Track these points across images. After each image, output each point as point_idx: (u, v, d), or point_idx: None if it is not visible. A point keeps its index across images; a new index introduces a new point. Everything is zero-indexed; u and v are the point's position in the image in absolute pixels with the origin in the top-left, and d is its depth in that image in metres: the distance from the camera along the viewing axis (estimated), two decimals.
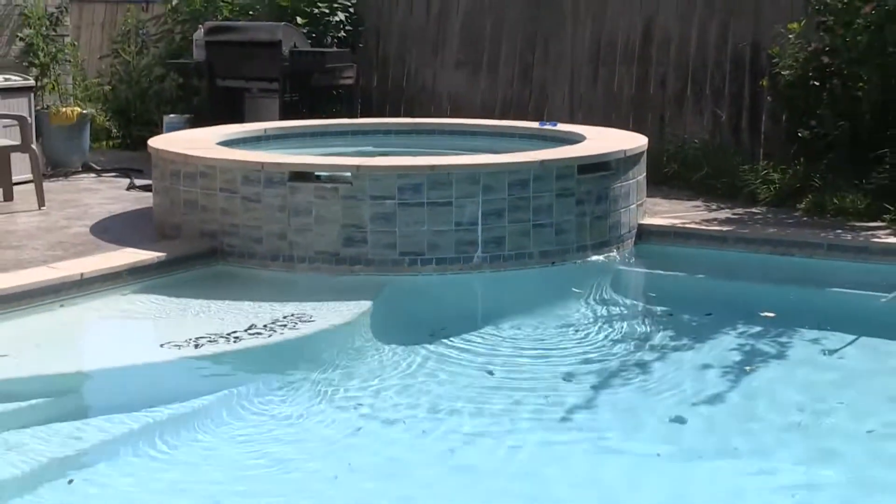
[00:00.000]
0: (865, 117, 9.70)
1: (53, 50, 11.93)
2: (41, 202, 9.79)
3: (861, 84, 9.62)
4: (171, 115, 12.34)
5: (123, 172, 11.49)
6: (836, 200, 9.28)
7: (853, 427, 5.84)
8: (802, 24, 10.04)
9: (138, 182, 10.78)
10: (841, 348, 7.03)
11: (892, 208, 8.94)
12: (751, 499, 5.12)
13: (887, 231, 8.66)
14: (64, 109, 11.75)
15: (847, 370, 6.74)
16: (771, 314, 7.47)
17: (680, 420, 5.91)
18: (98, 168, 11.81)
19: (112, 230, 8.85)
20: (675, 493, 5.18)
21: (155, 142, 9.18)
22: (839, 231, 8.75)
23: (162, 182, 8.81)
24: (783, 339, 7.15)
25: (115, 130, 13.63)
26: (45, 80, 11.84)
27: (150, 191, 9.45)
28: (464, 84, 12.71)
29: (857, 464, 5.41)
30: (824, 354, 6.95)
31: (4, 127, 10.40)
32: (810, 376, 6.67)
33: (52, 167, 11.51)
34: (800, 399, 6.28)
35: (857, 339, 7.17)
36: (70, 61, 12.44)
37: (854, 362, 6.86)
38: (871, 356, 7.02)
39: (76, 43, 13.33)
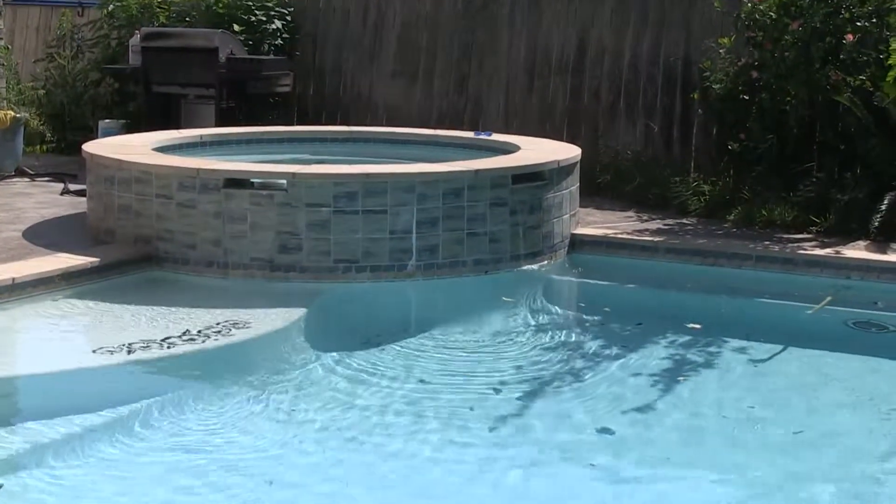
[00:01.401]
0: (793, 131, 9.82)
1: None
2: None
3: (788, 98, 9.74)
4: (107, 121, 12.24)
5: (57, 177, 11.36)
6: (764, 212, 9.38)
7: (779, 435, 5.92)
8: (732, 39, 10.14)
9: (72, 187, 10.66)
10: (768, 358, 7.11)
11: (818, 220, 9.06)
12: None
13: (813, 243, 8.76)
14: None
15: (774, 380, 6.82)
16: (697, 326, 7.52)
17: (609, 429, 5.94)
18: (31, 172, 11.66)
19: (45, 235, 8.75)
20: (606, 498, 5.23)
21: (89, 147, 9.10)
22: (767, 243, 8.84)
23: (96, 187, 8.73)
24: (712, 349, 7.21)
25: (49, 135, 13.49)
26: None
27: (84, 196, 9.34)
28: (400, 94, 12.70)
29: (782, 471, 5.48)
30: (752, 364, 7.01)
31: None
32: (738, 386, 6.73)
33: None
34: (727, 408, 6.34)
35: (784, 349, 7.25)
36: (3, 65, 12.30)
37: (781, 372, 6.94)
38: (798, 366, 7.09)
39: (10, 46, 13.20)
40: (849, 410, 6.36)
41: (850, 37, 9.34)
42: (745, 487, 5.34)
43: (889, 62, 7.43)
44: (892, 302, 7.88)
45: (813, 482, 5.34)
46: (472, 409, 6.10)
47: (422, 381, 6.53)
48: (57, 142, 13.47)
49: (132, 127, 11.63)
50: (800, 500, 5.17)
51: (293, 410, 6.04)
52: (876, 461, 5.63)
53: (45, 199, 10.39)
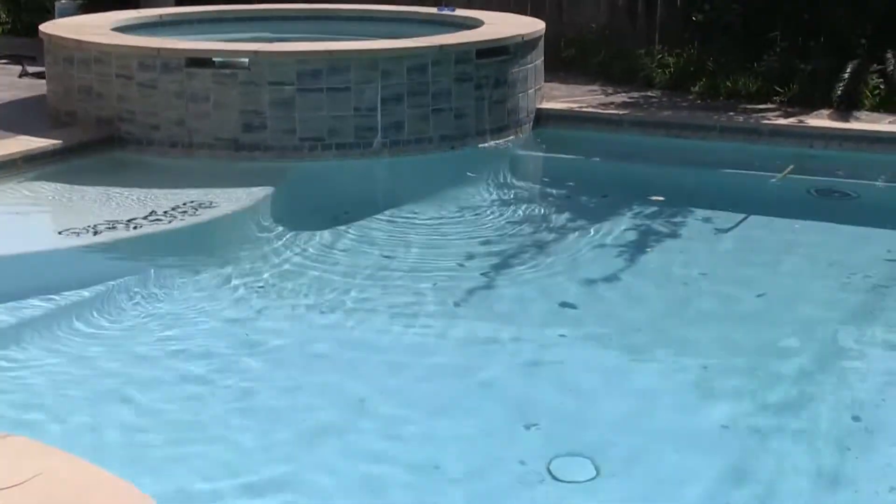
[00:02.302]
0: (757, 1, 9.77)
1: None
2: None
3: None
4: (63, 1, 12.05)
5: (15, 59, 11.22)
6: (728, 83, 9.40)
7: (743, 300, 6.00)
8: None
9: (30, 69, 10.54)
10: (732, 227, 7.16)
11: (781, 90, 9.08)
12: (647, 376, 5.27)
13: (777, 113, 8.80)
14: None
15: (737, 248, 6.89)
16: (661, 198, 7.57)
17: (573, 302, 6.00)
18: None
19: (5, 118, 8.66)
20: (571, 372, 5.31)
21: (47, 27, 8.99)
22: (731, 113, 8.87)
23: (55, 68, 8.65)
24: (677, 220, 7.27)
25: (4, 16, 13.29)
26: None
27: (43, 78, 9.26)
28: None
29: (747, 335, 5.59)
30: (716, 233, 7.08)
31: None
32: (702, 254, 6.83)
33: None
34: (690, 276, 6.43)
35: (747, 217, 7.31)
36: None
37: (745, 240, 7.01)
38: (761, 234, 7.14)
39: None
40: (811, 275, 6.45)
41: None
42: (709, 354, 5.42)
43: None
44: (854, 169, 7.96)
45: (775, 348, 5.43)
46: (435, 284, 6.14)
47: (386, 256, 6.57)
48: (13, 23, 13.29)
49: (89, 7, 11.45)
50: (762, 366, 5.25)
51: (260, 286, 6.07)
52: (836, 324, 5.73)
53: (3, 82, 10.28)
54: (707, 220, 7.29)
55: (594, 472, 4.29)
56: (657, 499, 4.21)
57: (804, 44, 9.45)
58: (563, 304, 5.96)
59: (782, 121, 8.58)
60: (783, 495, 4.20)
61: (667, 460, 4.45)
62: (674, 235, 7.02)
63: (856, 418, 4.76)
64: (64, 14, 11.21)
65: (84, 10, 11.27)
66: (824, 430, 4.71)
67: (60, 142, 7.83)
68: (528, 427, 4.62)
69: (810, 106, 8.84)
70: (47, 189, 7.33)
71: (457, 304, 5.86)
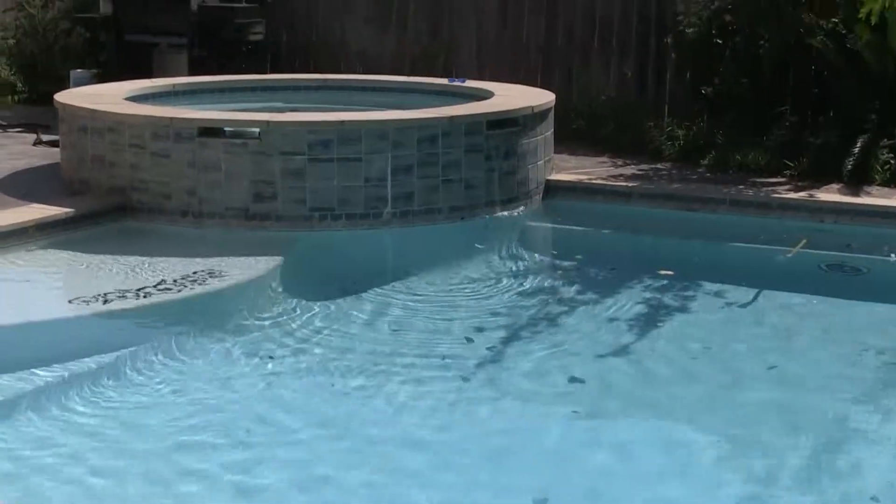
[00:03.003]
0: (766, 75, 9.81)
1: None
2: None
3: (762, 42, 9.73)
4: (79, 70, 12.12)
5: (30, 127, 11.28)
6: (738, 156, 9.40)
7: (755, 372, 5.99)
8: None
9: (45, 137, 10.58)
10: (743, 302, 7.15)
11: (791, 164, 9.08)
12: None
13: (787, 186, 8.78)
14: None
15: (748, 322, 6.87)
16: (670, 272, 7.55)
17: (582, 376, 5.98)
18: (3, 123, 11.60)
19: (18, 186, 8.67)
20: (581, 448, 5.27)
21: (62, 96, 9.03)
22: (741, 187, 8.86)
23: (69, 137, 8.68)
24: (687, 294, 7.26)
25: (20, 85, 13.38)
26: None
27: (57, 146, 9.29)
28: (373, 40, 12.62)
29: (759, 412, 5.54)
30: (727, 308, 7.07)
31: None
32: (713, 329, 6.79)
33: None
34: (701, 350, 6.41)
35: (759, 292, 7.29)
36: None
37: (755, 315, 6.99)
38: (772, 309, 7.14)
39: None
40: (822, 351, 6.43)
41: None
42: (720, 430, 5.39)
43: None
44: (865, 244, 7.92)
45: (788, 424, 5.41)
46: (443, 358, 6.12)
47: (394, 329, 6.56)
48: (28, 92, 13.36)
49: (104, 76, 11.53)
50: (775, 443, 5.22)
51: (268, 357, 6.06)
52: (849, 400, 5.71)
53: (18, 150, 10.31)
54: (717, 294, 7.28)
55: None
56: None
57: (813, 118, 9.48)
58: (573, 379, 5.94)
59: (792, 195, 8.56)
60: None
61: None
62: (683, 310, 6.99)
63: (874, 499, 4.71)
64: (79, 83, 11.26)
65: (99, 80, 11.33)
66: None
67: (73, 210, 7.83)
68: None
69: (820, 180, 8.82)
70: (59, 257, 7.32)
71: (465, 379, 5.83)
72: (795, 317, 6.98)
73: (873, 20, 3.59)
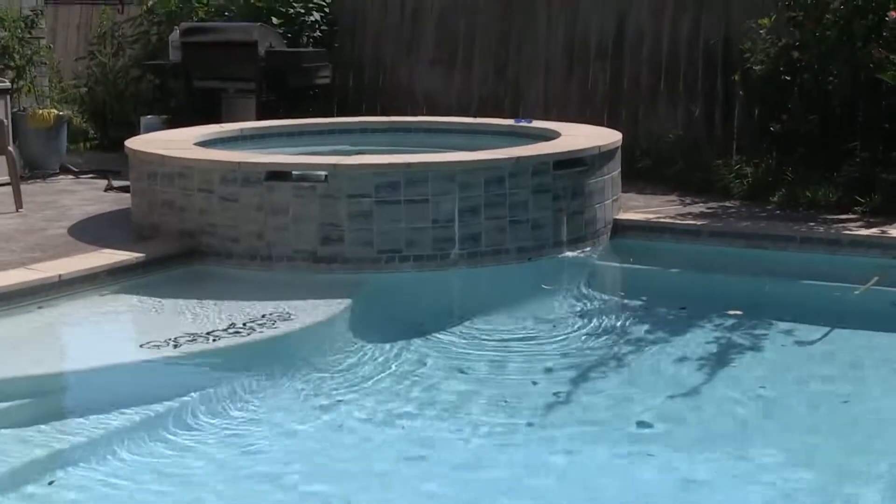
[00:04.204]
0: (835, 111, 9.74)
1: (29, 52, 11.87)
2: (19, 204, 9.75)
3: (831, 78, 9.67)
4: (149, 117, 12.29)
5: (101, 174, 11.45)
6: (808, 193, 9.32)
7: (830, 410, 5.94)
8: (773, 19, 10.07)
9: (116, 183, 10.73)
10: (815, 341, 7.07)
11: (862, 200, 8.99)
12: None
13: (858, 223, 8.69)
14: (41, 111, 11.70)
15: (821, 362, 6.79)
16: (739, 312, 7.48)
17: (654, 419, 5.93)
18: (76, 170, 11.77)
19: (90, 231, 8.81)
20: (655, 491, 5.23)
21: (132, 143, 9.16)
22: (811, 224, 8.78)
23: (139, 183, 8.79)
24: (758, 332, 7.19)
25: (92, 132, 13.59)
26: (22, 83, 11.77)
27: (127, 192, 9.40)
28: (439, 82, 12.71)
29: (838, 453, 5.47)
30: (798, 346, 6.99)
31: None
32: (789, 365, 6.75)
33: (30, 169, 11.45)
34: (774, 391, 6.33)
35: (831, 330, 7.21)
36: (46, 63, 12.38)
37: (828, 354, 6.91)
38: (846, 348, 7.05)
39: (52, 45, 13.28)
40: (894, 386, 6.35)
41: (893, 13, 9.26)
42: (794, 471, 5.33)
43: None
44: None
45: (864, 467, 5.33)
46: (506, 401, 6.09)
47: (461, 371, 6.54)
48: (100, 139, 13.57)
49: (174, 122, 11.67)
50: (849, 485, 5.15)
51: (338, 401, 6.06)
52: None
53: (90, 196, 10.47)
54: (788, 332, 7.20)
55: None
56: None
57: (885, 153, 9.37)
58: (639, 413, 5.91)
59: (864, 231, 8.48)
60: None
61: None
62: (755, 348, 6.93)
63: None
64: (149, 129, 11.41)
65: (168, 125, 11.47)
66: None
67: (143, 255, 7.92)
68: None
69: (893, 216, 8.73)
70: (129, 302, 7.40)
71: (530, 425, 5.79)
72: (869, 355, 6.88)
73: None
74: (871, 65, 9.37)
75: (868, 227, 8.59)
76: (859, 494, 5.02)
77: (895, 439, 5.63)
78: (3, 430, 5.50)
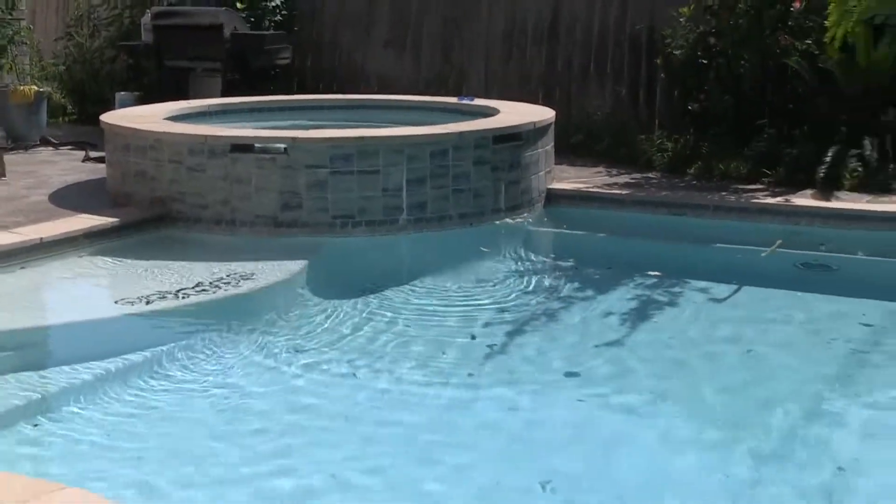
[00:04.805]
0: (746, 93, 9.84)
1: (10, 33, 11.72)
2: (2, 173, 9.69)
3: (743, 63, 9.76)
4: (123, 93, 12.21)
5: (79, 146, 11.36)
6: (721, 166, 9.43)
7: (737, 361, 6.05)
8: (692, 8, 10.15)
9: (93, 154, 10.66)
10: (726, 297, 7.17)
11: (769, 173, 9.11)
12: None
13: (765, 193, 8.80)
14: (22, 88, 11.58)
15: (730, 316, 6.89)
16: (658, 273, 7.57)
17: (580, 367, 6.01)
18: (55, 142, 11.67)
19: (69, 198, 8.76)
20: (581, 429, 5.31)
21: (107, 117, 9.11)
22: (724, 193, 8.87)
23: (114, 154, 8.75)
24: (675, 290, 7.28)
25: (70, 107, 13.47)
26: (3, 61, 11.64)
27: (103, 162, 9.36)
28: (391, 64, 12.70)
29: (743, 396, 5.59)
30: (711, 302, 7.09)
31: None
32: (702, 320, 6.83)
33: (13, 141, 11.35)
34: (693, 339, 6.48)
35: (739, 289, 7.32)
36: (27, 43, 12.25)
37: (737, 309, 7.02)
38: (752, 303, 7.16)
39: (31, 26, 13.12)
40: (796, 344, 6.46)
41: (797, 4, 9.37)
42: (705, 408, 5.45)
43: (828, 23, 7.35)
44: (835, 245, 7.93)
45: (765, 403, 5.46)
46: (444, 353, 6.14)
47: (407, 324, 6.60)
48: (77, 113, 13.45)
49: (146, 99, 11.61)
50: (753, 420, 5.27)
51: (297, 351, 6.10)
52: (820, 383, 5.75)
53: (68, 166, 10.40)
54: (702, 290, 7.30)
55: None
56: None
57: (789, 131, 9.50)
58: (566, 363, 5.98)
59: (770, 200, 8.58)
60: None
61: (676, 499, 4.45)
62: (672, 304, 7.03)
63: (840, 467, 4.76)
64: (123, 105, 11.34)
65: (141, 102, 11.41)
66: (811, 477, 4.72)
67: (117, 220, 7.90)
68: (543, 486, 4.61)
69: (795, 186, 8.85)
70: (105, 263, 7.37)
71: (470, 375, 5.85)
72: (773, 310, 6.98)
73: (837, 44, 3.62)
74: (778, 51, 9.50)
75: (774, 196, 8.69)
76: (756, 423, 5.17)
77: (791, 384, 5.76)
78: None
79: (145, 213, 8.17)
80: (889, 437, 5.16)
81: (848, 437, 5.13)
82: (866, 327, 6.57)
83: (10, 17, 11.67)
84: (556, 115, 9.41)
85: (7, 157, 10.01)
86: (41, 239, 7.33)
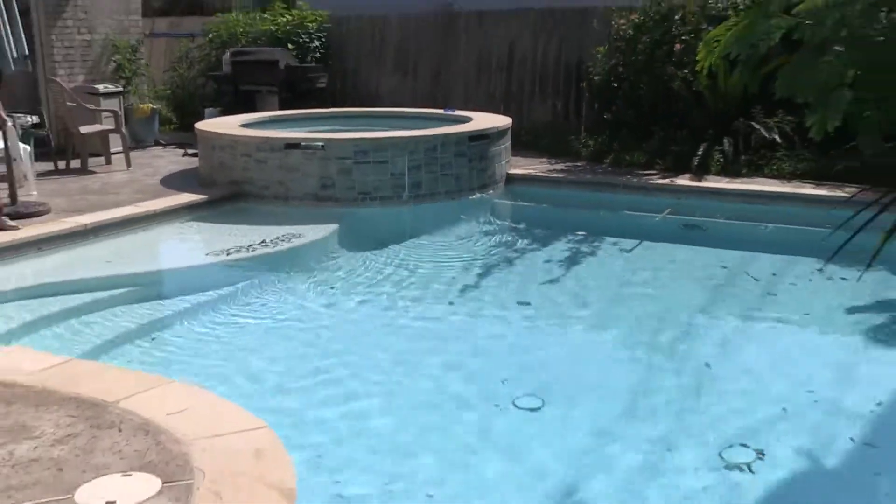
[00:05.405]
0: (644, 107, 9.80)
1: (134, 68, 11.63)
2: (128, 164, 9.64)
3: (642, 86, 9.71)
4: (210, 108, 12.10)
5: (180, 145, 11.31)
6: (627, 158, 9.38)
7: (636, 293, 6.07)
8: (606, 48, 10.09)
9: (189, 151, 10.61)
10: (631, 249, 7.20)
11: (660, 163, 9.09)
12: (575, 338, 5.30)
13: (657, 176, 8.77)
14: (142, 106, 11.51)
15: (635, 261, 6.92)
16: (583, 232, 7.58)
17: (529, 295, 6.04)
18: (164, 143, 11.61)
19: (173, 182, 8.73)
20: (531, 337, 5.34)
21: (200, 125, 9.06)
22: (629, 176, 8.84)
23: (204, 151, 8.71)
24: (595, 244, 7.30)
25: (174, 119, 13.36)
26: (129, 87, 11.55)
27: (196, 156, 9.31)
28: (396, 85, 12.61)
29: (637, 311, 5.63)
30: (621, 253, 7.12)
31: (105, 117, 10.19)
32: (614, 265, 6.85)
33: (135, 143, 11.25)
34: (606, 278, 6.47)
35: (640, 243, 7.34)
36: (145, 75, 12.12)
37: (639, 257, 7.04)
38: (650, 253, 7.18)
39: (148, 64, 12.97)
40: (679, 277, 6.51)
41: (678, 46, 9.32)
42: (615, 324, 5.48)
43: (698, 58, 7.31)
44: (706, 212, 7.94)
45: (659, 318, 5.50)
46: (435, 286, 6.16)
47: (409, 268, 6.62)
48: (179, 123, 13.33)
49: (225, 112, 11.52)
50: (651, 329, 5.31)
51: (332, 289, 6.13)
52: (695, 305, 5.80)
53: (173, 160, 10.35)
54: (614, 244, 7.32)
55: (541, 403, 4.33)
56: (584, 404, 4.24)
57: (674, 134, 9.46)
58: (520, 295, 6.01)
59: (661, 181, 8.57)
60: (666, 403, 4.25)
61: (594, 385, 4.48)
62: (593, 254, 7.06)
63: (706, 363, 4.81)
64: (210, 116, 11.25)
65: (222, 114, 11.33)
66: (688, 366, 4.79)
67: (206, 196, 7.88)
68: (503, 381, 4.63)
69: (678, 172, 8.81)
70: (198, 226, 7.38)
71: (451, 303, 5.88)
72: (664, 256, 7.02)
73: (705, 73, 3.62)
74: (666, 78, 9.45)
75: (663, 178, 8.67)
76: (650, 334, 5.20)
77: (673, 305, 5.80)
78: (121, 306, 5.54)
79: (225, 191, 8.15)
80: (739, 343, 5.22)
81: (711, 342, 5.19)
82: (724, 269, 6.61)
83: (133, 57, 11.59)
84: (512, 121, 9.38)
85: (131, 154, 9.94)
86: (155, 210, 7.34)
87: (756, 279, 6.27)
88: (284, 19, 13.00)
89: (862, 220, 2.92)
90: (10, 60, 6.86)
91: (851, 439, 3.98)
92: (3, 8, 6.72)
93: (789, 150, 8.72)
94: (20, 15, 7.62)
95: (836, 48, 2.89)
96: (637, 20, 9.68)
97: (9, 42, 6.81)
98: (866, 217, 2.90)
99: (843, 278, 6.07)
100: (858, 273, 5.82)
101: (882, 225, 2.96)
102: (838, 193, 7.54)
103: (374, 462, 3.82)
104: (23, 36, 7.13)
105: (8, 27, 6.78)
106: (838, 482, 3.76)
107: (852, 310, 5.62)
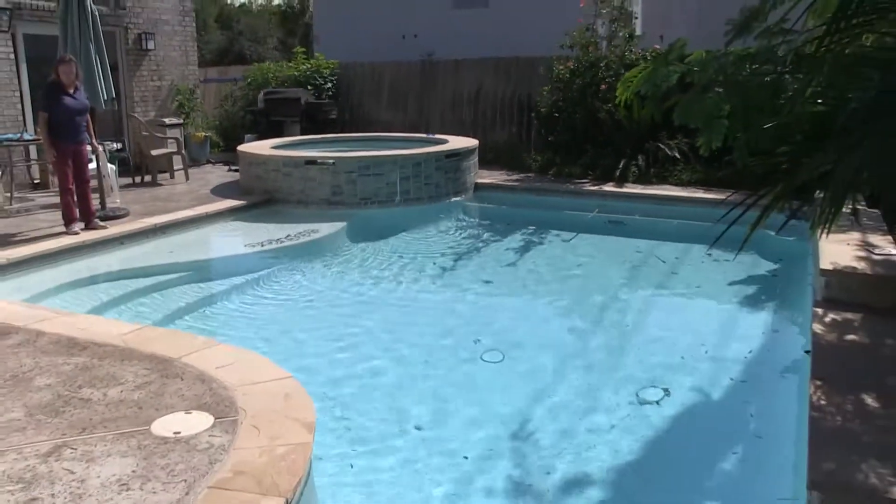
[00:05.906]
0: (578, 132, 9.80)
1: (192, 105, 11.52)
2: (187, 178, 9.53)
3: (577, 116, 9.71)
4: (248, 135, 12.02)
5: (225, 163, 11.20)
6: (567, 170, 9.37)
7: (572, 275, 6.04)
8: (549, 87, 10.07)
9: (233, 167, 10.51)
10: (569, 240, 7.20)
11: (591, 174, 9.10)
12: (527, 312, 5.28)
13: (589, 184, 8.78)
14: (197, 133, 11.40)
15: (572, 250, 6.92)
16: (533, 227, 7.57)
17: (491, 274, 6.03)
18: (213, 161, 11.49)
19: (220, 191, 8.64)
20: (492, 306, 5.32)
21: (240, 147, 8.97)
22: (568, 184, 8.83)
23: (243, 167, 8.62)
24: (542, 236, 7.29)
25: (221, 143, 13.23)
26: (188, 120, 11.44)
27: (238, 171, 9.24)
28: (390, 116, 12.54)
29: (573, 289, 5.61)
30: (562, 242, 7.11)
31: (170, 143, 10.10)
32: (557, 251, 6.82)
33: (192, 162, 11.13)
34: (550, 263, 6.41)
35: (576, 235, 7.34)
36: (199, 111, 12.00)
37: (575, 246, 7.03)
38: (583, 243, 7.17)
39: (202, 101, 12.82)
40: (606, 262, 6.50)
41: (603, 86, 9.32)
42: (558, 296, 5.47)
43: (617, 94, 7.37)
44: (625, 210, 7.96)
45: (589, 291, 5.49)
46: (423, 270, 6.14)
47: (400, 254, 6.60)
48: (224, 146, 13.21)
49: (260, 137, 11.43)
50: (583, 300, 5.31)
51: (342, 271, 6.09)
52: (617, 283, 5.79)
53: (220, 174, 10.24)
54: (557, 235, 7.32)
55: (502, 357, 4.33)
56: (525, 362, 4.24)
57: (602, 150, 9.46)
58: (485, 275, 6.00)
59: (592, 188, 8.57)
60: (596, 356, 4.25)
61: (542, 344, 4.48)
62: (541, 243, 7.05)
63: (626, 325, 4.82)
64: (248, 141, 11.18)
65: (258, 138, 11.24)
66: (612, 328, 4.78)
67: (245, 202, 7.81)
68: (475, 341, 4.60)
69: (605, 181, 8.84)
70: (238, 225, 7.31)
71: (433, 282, 5.87)
72: (594, 245, 7.03)
73: (622, 105, 3.63)
74: (595, 109, 9.45)
75: (594, 185, 8.68)
76: (585, 306, 5.19)
77: (602, 282, 5.79)
78: (180, 286, 5.49)
79: (259, 198, 8.08)
80: (650, 309, 5.23)
81: (630, 309, 5.20)
82: (638, 253, 6.62)
83: (192, 98, 11.52)
84: (479, 143, 9.35)
85: (190, 170, 9.84)
86: (206, 213, 7.26)
87: (663, 261, 6.30)
88: (305, 66, 12.89)
89: (735, 215, 2.95)
90: (102, 101, 7.03)
91: (731, 378, 4.03)
92: (98, 63, 6.88)
93: (686, 163, 8.77)
94: (111, 69, 7.63)
95: (717, 89, 2.96)
96: (572, 67, 9.66)
97: (101, 88, 6.96)
98: (738, 213, 2.94)
99: (726, 260, 6.12)
100: (734, 255, 5.86)
101: (749, 219, 3.00)
102: (721, 196, 7.59)
103: (374, 402, 3.81)
104: (112, 82, 7.23)
105: (101, 76, 6.95)
106: (721, 409, 3.81)
107: (732, 283, 5.67)
